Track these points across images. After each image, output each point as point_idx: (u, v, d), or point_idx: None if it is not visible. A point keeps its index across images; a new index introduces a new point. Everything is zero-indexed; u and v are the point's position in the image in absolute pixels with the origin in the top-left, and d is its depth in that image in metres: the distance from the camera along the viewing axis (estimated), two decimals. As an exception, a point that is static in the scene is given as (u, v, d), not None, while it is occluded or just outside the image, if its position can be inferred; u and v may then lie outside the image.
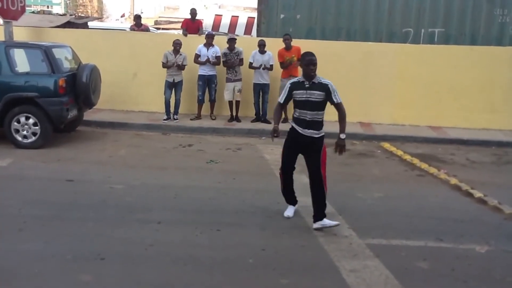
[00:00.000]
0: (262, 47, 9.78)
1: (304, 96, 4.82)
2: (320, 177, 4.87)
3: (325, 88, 4.82)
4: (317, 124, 4.89)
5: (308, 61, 4.82)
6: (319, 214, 4.88)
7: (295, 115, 4.99)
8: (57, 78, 7.61)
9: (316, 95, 4.80)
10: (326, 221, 4.88)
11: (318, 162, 4.89)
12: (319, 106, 4.85)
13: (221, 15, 19.99)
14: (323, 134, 4.94)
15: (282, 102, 5.06)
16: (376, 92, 10.17)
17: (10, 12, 9.49)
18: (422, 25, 11.18)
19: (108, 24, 22.64)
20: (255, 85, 9.97)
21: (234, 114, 10.16)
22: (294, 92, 4.88)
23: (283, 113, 10.04)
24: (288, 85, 4.98)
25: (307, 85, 4.83)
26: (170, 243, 4.51)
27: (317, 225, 4.88)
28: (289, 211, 5.24)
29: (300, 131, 4.91)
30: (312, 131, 4.87)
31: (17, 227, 4.69)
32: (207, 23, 18.43)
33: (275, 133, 4.98)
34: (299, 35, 10.89)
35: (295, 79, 5.00)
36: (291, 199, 5.26)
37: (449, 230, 5.08)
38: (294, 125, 4.99)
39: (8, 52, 7.65)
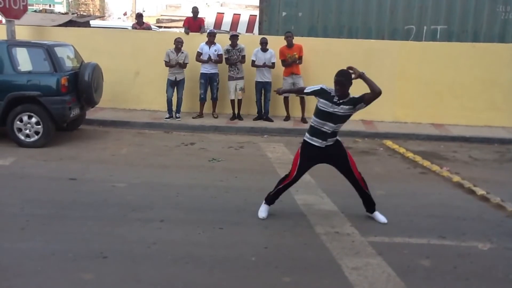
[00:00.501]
0: (264, 45, 9.76)
1: (330, 109, 4.73)
2: (356, 180, 5.05)
3: (353, 101, 4.72)
4: (335, 134, 4.91)
5: (335, 81, 4.70)
6: (369, 208, 5.25)
7: (312, 124, 4.91)
8: (59, 77, 7.62)
9: (344, 109, 4.72)
10: (377, 215, 5.20)
11: (348, 164, 4.99)
12: (343, 119, 4.82)
13: (223, 13, 20.02)
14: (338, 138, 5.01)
15: (306, 91, 5.04)
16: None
17: (12, 11, 9.50)
18: (425, 22, 11.16)
19: (110, 23, 22.67)
20: (257, 83, 9.96)
21: (236, 112, 10.15)
22: (321, 100, 4.79)
23: (286, 111, 10.15)
24: (319, 87, 4.86)
25: (335, 100, 4.73)
26: (171, 241, 4.52)
27: (369, 214, 5.26)
28: (265, 211, 5.16)
29: (314, 143, 4.87)
30: (329, 139, 4.87)
31: (19, 225, 4.71)
32: (209, 21, 18.43)
33: (277, 92, 5.44)
34: (301, 33, 10.89)
35: (328, 88, 4.82)
36: (275, 199, 5.19)
37: (452, 227, 5.07)
38: (308, 137, 4.93)
39: (10, 51, 7.66)
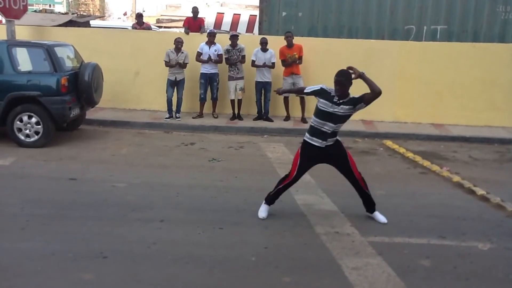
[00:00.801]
0: (264, 45, 9.76)
1: (330, 109, 4.73)
2: (356, 180, 5.05)
3: (353, 101, 4.72)
4: (335, 134, 4.90)
5: (335, 81, 4.71)
6: (370, 208, 5.24)
7: (312, 124, 4.90)
8: (60, 77, 7.62)
9: (344, 109, 4.73)
10: (377, 215, 5.19)
11: (348, 164, 5.00)
12: (343, 119, 4.82)
13: (223, 13, 20.02)
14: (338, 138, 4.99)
15: (306, 91, 5.05)
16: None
17: (12, 11, 9.50)
18: (425, 22, 11.16)
19: (110, 23, 22.68)
20: (257, 83, 9.96)
21: (236, 112, 10.15)
22: (321, 100, 4.79)
23: (286, 111, 10.15)
24: (319, 87, 4.87)
25: (335, 100, 4.73)
26: (171, 241, 4.52)
27: (369, 214, 5.25)
28: (265, 211, 5.16)
29: (314, 143, 4.86)
30: (329, 139, 4.86)
31: (19, 225, 4.71)
32: (209, 21, 18.44)
33: (277, 92, 5.46)
34: (301, 33, 10.89)
35: (328, 88, 4.83)
36: (275, 199, 5.19)
37: (452, 227, 5.07)
38: (308, 137, 4.92)
39: (10, 51, 7.66)
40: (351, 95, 4.75)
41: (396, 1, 11.13)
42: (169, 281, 3.83)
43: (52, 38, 9.73)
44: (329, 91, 4.79)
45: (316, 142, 4.87)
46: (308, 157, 4.96)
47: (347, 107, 4.72)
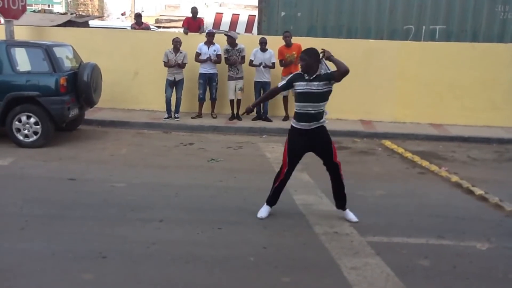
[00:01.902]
0: (263, 45, 9.77)
1: (306, 87, 4.82)
2: (337, 169, 5.05)
3: (326, 77, 4.83)
4: (319, 115, 4.91)
5: (299, 58, 4.96)
6: (340, 203, 5.18)
7: (296, 110, 4.97)
8: (58, 77, 7.62)
9: (319, 85, 4.80)
10: (348, 213, 5.16)
11: (330, 152, 4.99)
12: (323, 97, 4.86)
13: (222, 13, 20.00)
14: (326, 122, 4.98)
15: (279, 86, 5.16)
16: (377, 90, 10.15)
17: (11, 11, 9.49)
18: (424, 22, 11.16)
19: (109, 23, 22.69)
20: (256, 83, 9.96)
21: (235, 112, 10.15)
22: (295, 83, 4.92)
23: (285, 111, 10.16)
24: (291, 75, 5.11)
25: (306, 78, 4.85)
26: (171, 241, 4.52)
27: (338, 210, 5.23)
28: (265, 211, 5.16)
29: (301, 127, 4.91)
30: (315, 122, 4.88)
31: (18, 226, 4.71)
32: (208, 21, 18.42)
33: (246, 111, 5.42)
34: (300, 33, 10.88)
35: (298, 71, 5.04)
36: (275, 199, 5.21)
37: (450, 227, 5.08)
38: (295, 122, 4.97)
39: (9, 51, 7.66)
40: (323, 72, 4.84)
41: (395, 1, 11.13)
42: (169, 281, 3.83)
43: (51, 38, 9.73)
44: (300, 72, 4.96)
45: (302, 126, 4.91)
46: (295, 146, 4.99)
47: (321, 82, 4.81)
